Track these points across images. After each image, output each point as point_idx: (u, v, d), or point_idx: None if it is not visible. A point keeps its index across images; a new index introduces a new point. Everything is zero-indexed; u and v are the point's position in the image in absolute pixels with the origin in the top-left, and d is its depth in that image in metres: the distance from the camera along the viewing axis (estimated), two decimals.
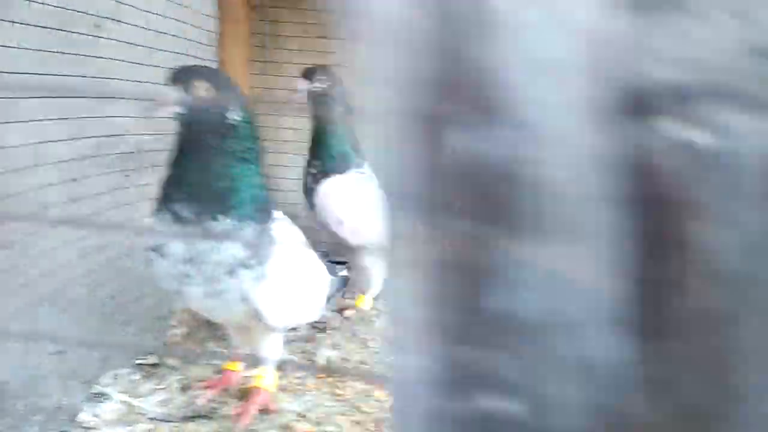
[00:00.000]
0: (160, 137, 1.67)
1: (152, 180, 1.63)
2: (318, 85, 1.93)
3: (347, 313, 2.05)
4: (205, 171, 1.17)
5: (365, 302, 2.09)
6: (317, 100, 1.95)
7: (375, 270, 2.06)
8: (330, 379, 1.61)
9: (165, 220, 1.17)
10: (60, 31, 1.33)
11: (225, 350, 1.80)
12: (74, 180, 1.41)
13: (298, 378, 1.60)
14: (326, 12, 2.39)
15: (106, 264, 1.58)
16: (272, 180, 2.21)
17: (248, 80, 2.37)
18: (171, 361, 1.70)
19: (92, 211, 1.52)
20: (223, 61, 2.26)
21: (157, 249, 1.19)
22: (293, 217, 1.47)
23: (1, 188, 1.18)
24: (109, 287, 1.59)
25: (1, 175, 1.18)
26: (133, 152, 1.69)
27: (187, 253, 1.17)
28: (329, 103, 1.95)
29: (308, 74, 1.94)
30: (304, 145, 2.05)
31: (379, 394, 1.55)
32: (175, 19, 1.92)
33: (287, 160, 2.53)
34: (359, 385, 1.57)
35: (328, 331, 1.90)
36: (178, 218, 1.16)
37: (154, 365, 1.59)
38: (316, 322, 1.85)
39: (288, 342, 1.80)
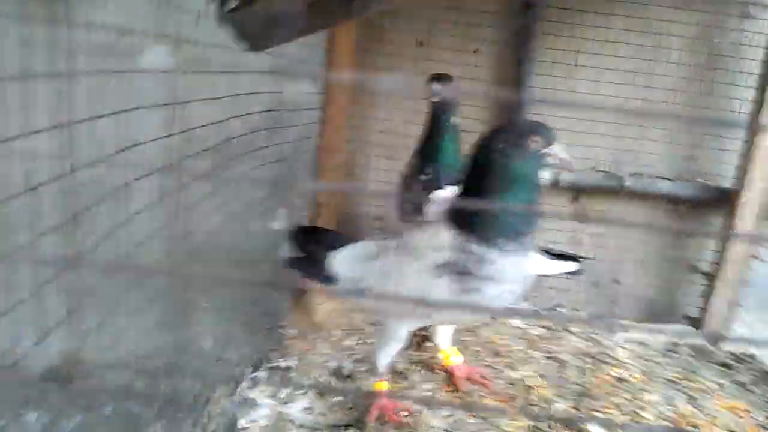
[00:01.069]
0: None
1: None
2: (451, 91, 1.92)
3: None
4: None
5: None
6: (440, 106, 1.93)
7: None
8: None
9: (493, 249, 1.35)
10: None
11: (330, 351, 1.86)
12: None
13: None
14: (426, 19, 2.47)
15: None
16: None
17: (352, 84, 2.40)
18: (289, 362, 1.76)
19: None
20: (331, 64, 2.28)
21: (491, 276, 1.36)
22: None
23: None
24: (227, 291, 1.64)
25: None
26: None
27: (517, 276, 1.39)
28: (450, 111, 1.96)
29: (440, 79, 1.91)
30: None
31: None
32: None
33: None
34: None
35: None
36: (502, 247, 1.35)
37: (286, 369, 1.64)
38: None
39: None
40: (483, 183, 1.37)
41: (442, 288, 1.39)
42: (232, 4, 0.97)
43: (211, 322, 1.54)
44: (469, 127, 2.56)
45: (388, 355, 1.60)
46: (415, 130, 2.51)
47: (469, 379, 1.78)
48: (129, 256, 1.12)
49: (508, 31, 2.48)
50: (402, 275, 1.46)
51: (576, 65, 2.49)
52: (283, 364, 1.68)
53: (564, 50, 2.47)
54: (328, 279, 1.62)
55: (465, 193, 1.45)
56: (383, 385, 1.61)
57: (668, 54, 2.47)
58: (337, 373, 1.76)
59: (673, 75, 2.50)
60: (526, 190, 1.36)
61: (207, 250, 1.55)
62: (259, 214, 1.88)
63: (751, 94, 2.43)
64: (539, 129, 1.38)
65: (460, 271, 1.37)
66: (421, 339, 1.99)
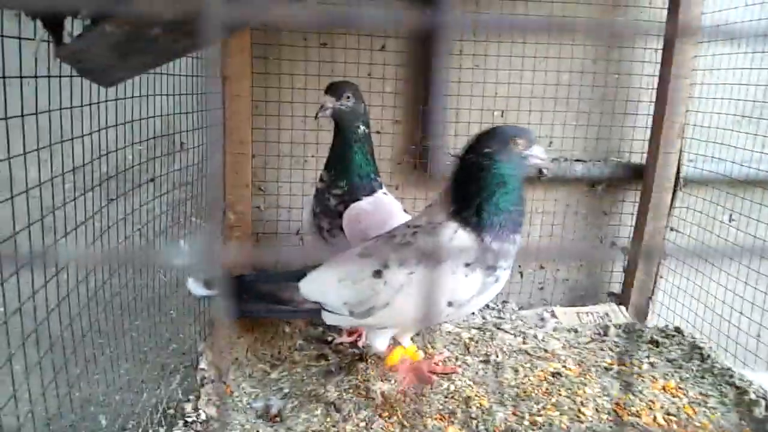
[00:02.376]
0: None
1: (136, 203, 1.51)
2: (345, 103, 1.84)
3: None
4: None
5: None
6: (341, 117, 1.86)
7: None
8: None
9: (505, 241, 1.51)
10: None
11: (255, 388, 1.72)
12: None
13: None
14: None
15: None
16: None
17: (251, 92, 2.23)
18: (209, 411, 1.60)
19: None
20: (227, 77, 2.11)
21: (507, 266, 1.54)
22: None
23: None
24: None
25: None
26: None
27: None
28: (353, 121, 1.87)
29: (334, 91, 1.83)
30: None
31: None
32: None
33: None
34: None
35: (369, 359, 1.86)
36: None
37: (205, 422, 1.49)
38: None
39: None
40: (475, 183, 1.51)
41: (473, 284, 1.50)
42: (71, 32, 0.80)
43: (115, 371, 1.37)
44: (385, 128, 2.47)
45: (385, 341, 1.68)
46: (325, 138, 2.39)
47: (434, 372, 1.80)
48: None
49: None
50: (426, 282, 1.45)
51: (485, 55, 2.44)
52: (202, 415, 1.52)
53: (472, 41, 2.41)
54: (309, 312, 1.61)
55: (458, 194, 1.54)
56: (396, 355, 1.71)
57: (572, 37, 2.46)
58: (265, 414, 1.62)
59: (579, 57, 2.49)
60: (516, 187, 1.52)
61: (103, 295, 1.38)
62: (160, 248, 1.71)
63: (654, 69, 2.47)
64: (522, 132, 1.52)
65: (488, 265, 1.51)
66: (352, 359, 1.89)
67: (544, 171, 2.30)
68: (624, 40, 2.49)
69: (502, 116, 2.51)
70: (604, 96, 2.55)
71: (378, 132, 2.45)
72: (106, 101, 1.29)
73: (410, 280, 1.51)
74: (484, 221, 1.50)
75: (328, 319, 1.60)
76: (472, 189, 1.51)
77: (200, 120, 1.97)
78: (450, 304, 1.52)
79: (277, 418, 1.61)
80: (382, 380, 1.76)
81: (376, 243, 1.62)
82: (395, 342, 1.74)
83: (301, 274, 1.62)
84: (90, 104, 1.21)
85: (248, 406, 1.64)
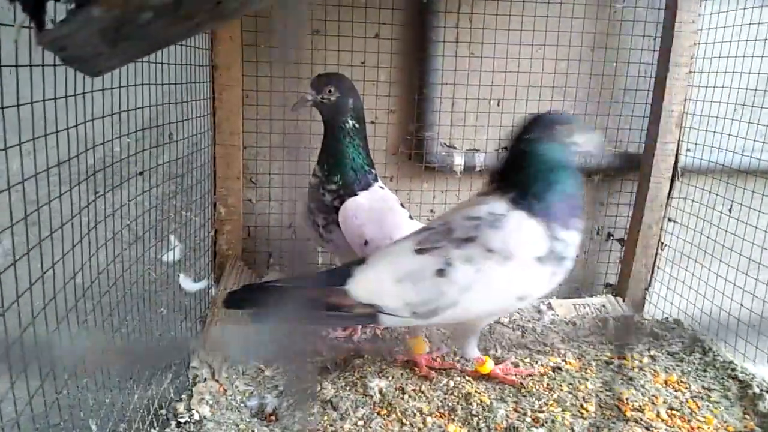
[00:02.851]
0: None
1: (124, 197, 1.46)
2: (326, 96, 1.78)
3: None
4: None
5: None
6: (324, 111, 1.81)
7: None
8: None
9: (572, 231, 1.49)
10: None
11: (249, 386, 1.68)
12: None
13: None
14: (319, 5, 2.26)
15: None
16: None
17: (242, 82, 2.16)
18: (202, 411, 1.56)
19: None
20: (217, 65, 2.04)
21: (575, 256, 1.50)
22: None
23: None
24: None
25: None
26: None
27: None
28: (338, 115, 1.81)
29: (315, 83, 1.79)
30: None
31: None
32: None
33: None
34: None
35: (365, 356, 1.82)
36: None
37: (198, 422, 1.44)
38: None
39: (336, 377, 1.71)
40: (531, 171, 1.49)
41: (544, 278, 1.48)
42: (53, 18, 0.74)
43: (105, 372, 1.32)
44: (379, 118, 2.41)
45: (475, 346, 1.69)
46: (319, 128, 2.33)
47: (432, 367, 1.77)
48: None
49: (409, 11, 2.32)
50: (497, 277, 1.45)
51: (481, 43, 2.38)
52: (195, 415, 1.47)
53: (466, 28, 2.36)
54: (361, 318, 1.50)
55: (515, 181, 1.52)
56: (487, 366, 1.71)
57: (569, 22, 2.41)
58: (260, 413, 1.58)
59: (577, 45, 2.45)
60: (572, 173, 1.51)
61: (91, 294, 1.33)
62: (149, 245, 1.65)
63: (652, 57, 2.43)
64: (565, 119, 1.52)
65: (558, 256, 1.47)
66: (348, 355, 1.85)
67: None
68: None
69: (498, 105, 2.46)
70: (602, 85, 2.51)
71: (372, 122, 2.40)
72: (92, 91, 1.22)
73: (478, 278, 1.44)
74: (550, 208, 1.47)
75: (387, 322, 1.49)
76: (530, 176, 1.49)
77: (189, 110, 1.91)
78: (521, 298, 1.52)
79: (273, 417, 1.56)
80: (379, 377, 1.72)
81: (431, 237, 1.51)
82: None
83: (344, 275, 1.48)
84: (75, 95, 1.14)
85: (242, 405, 1.60)
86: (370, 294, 1.46)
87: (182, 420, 1.46)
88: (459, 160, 2.41)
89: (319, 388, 1.65)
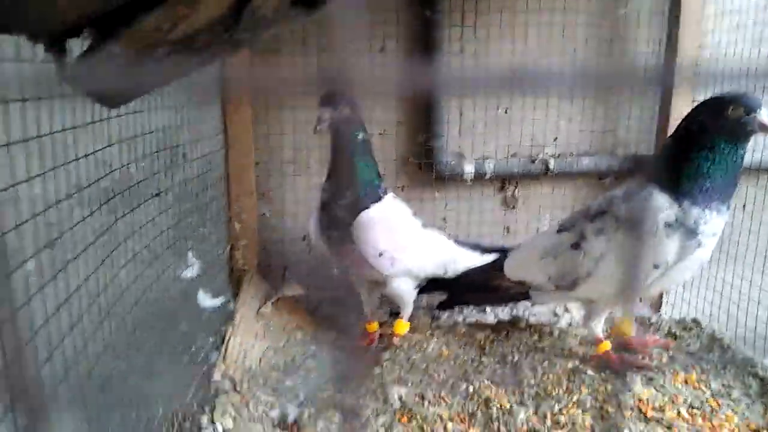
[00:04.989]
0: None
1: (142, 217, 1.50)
2: (343, 112, 1.80)
3: (395, 340, 1.99)
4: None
5: (403, 327, 2.05)
6: (339, 127, 1.82)
7: (406, 295, 2.01)
8: None
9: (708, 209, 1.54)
10: None
11: (270, 396, 1.70)
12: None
13: None
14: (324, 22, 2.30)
15: None
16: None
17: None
18: (225, 423, 1.58)
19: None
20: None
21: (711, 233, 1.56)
22: None
23: None
24: None
25: None
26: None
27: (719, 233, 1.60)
28: (351, 130, 1.84)
29: (329, 101, 1.77)
30: None
31: None
32: None
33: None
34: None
35: (384, 364, 1.84)
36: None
37: None
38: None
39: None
40: (680, 152, 1.56)
41: (674, 244, 1.53)
42: (74, 51, 0.78)
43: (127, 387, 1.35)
44: (388, 129, 2.44)
45: (600, 326, 1.78)
46: (326, 141, 2.37)
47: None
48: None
49: (413, 25, 2.36)
50: (626, 247, 1.56)
51: (487, 53, 2.41)
52: (219, 427, 1.50)
53: (471, 39, 2.38)
54: (516, 296, 1.83)
55: (661, 163, 1.63)
56: (607, 345, 1.78)
57: (574, 29, 2.43)
58: (282, 423, 1.60)
59: (582, 48, 2.46)
60: (729, 156, 1.53)
61: (116, 312, 1.36)
62: (168, 263, 1.69)
63: (659, 58, 2.44)
64: (740, 98, 1.52)
65: (688, 228, 1.52)
66: (366, 367, 1.87)
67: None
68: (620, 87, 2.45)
69: (506, 113, 2.48)
70: (609, 90, 2.52)
71: (381, 134, 2.43)
72: (109, 118, 1.27)
73: (609, 248, 1.59)
74: (682, 185, 1.54)
75: (537, 299, 1.77)
76: (676, 157, 1.57)
77: (202, 130, 1.95)
78: (656, 266, 1.56)
79: (295, 427, 1.59)
80: (399, 384, 1.74)
81: (573, 216, 1.72)
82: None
83: (503, 259, 1.79)
84: (93, 122, 1.19)
85: (265, 416, 1.62)
86: (520, 271, 1.72)
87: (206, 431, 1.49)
88: (469, 168, 2.43)
89: (339, 397, 1.67)
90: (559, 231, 1.73)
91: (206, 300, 1.91)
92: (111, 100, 0.84)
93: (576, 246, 1.64)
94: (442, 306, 2.11)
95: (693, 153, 1.57)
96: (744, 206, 2.35)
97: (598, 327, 1.81)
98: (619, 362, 1.79)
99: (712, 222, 1.56)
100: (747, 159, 2.28)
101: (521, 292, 1.76)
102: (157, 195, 1.62)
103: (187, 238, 1.85)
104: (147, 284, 1.57)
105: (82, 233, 1.22)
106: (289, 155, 2.38)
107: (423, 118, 2.41)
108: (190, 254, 1.84)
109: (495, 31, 2.38)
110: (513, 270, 1.74)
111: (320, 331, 2.14)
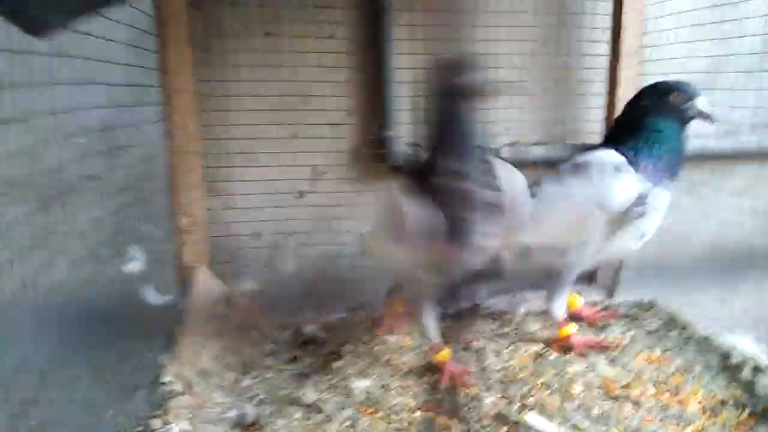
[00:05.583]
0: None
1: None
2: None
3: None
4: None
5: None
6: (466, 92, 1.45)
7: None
8: None
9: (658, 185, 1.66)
10: None
11: (227, 397, 1.59)
12: None
13: None
14: (270, 6, 2.22)
15: None
16: None
17: (195, 86, 2.08)
18: (181, 426, 1.46)
19: None
20: (168, 69, 1.96)
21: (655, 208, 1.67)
22: None
23: None
24: None
25: None
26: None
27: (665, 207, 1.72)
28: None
29: (460, 66, 1.48)
30: None
31: None
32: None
33: None
34: None
35: (345, 357, 1.76)
36: None
37: None
38: None
39: None
40: (631, 131, 1.69)
41: (622, 189, 1.63)
42: None
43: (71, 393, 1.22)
44: (340, 119, 2.37)
45: (562, 305, 1.81)
46: (279, 132, 2.29)
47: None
48: None
49: (362, 10, 2.30)
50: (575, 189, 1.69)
51: (438, 39, 2.38)
52: (173, 430, 1.38)
53: (420, 25, 2.35)
54: None
55: (616, 133, 1.75)
56: (569, 329, 1.79)
57: (523, 16, 2.44)
58: (240, 423, 1.49)
59: (530, 39, 2.47)
60: (672, 139, 1.66)
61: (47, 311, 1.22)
62: (108, 258, 1.55)
63: (604, 48, 2.48)
64: (682, 86, 1.67)
65: (638, 202, 1.62)
66: (327, 359, 1.79)
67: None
68: None
69: None
70: (557, 78, 2.54)
71: (333, 124, 2.36)
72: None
73: (559, 191, 1.71)
74: (638, 160, 1.65)
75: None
76: (629, 134, 1.69)
77: (140, 117, 1.82)
78: (601, 207, 1.64)
79: (255, 426, 1.48)
80: (362, 376, 1.66)
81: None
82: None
83: None
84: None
85: (222, 417, 1.51)
86: None
87: None
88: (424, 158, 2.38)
89: (300, 394, 1.58)
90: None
91: (153, 298, 1.77)
92: (34, 26, 0.73)
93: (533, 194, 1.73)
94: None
95: (643, 135, 1.67)
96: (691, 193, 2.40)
97: (561, 310, 1.81)
98: (581, 344, 1.79)
99: (659, 196, 1.65)
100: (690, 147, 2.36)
101: None
102: (91, 178, 1.49)
103: (129, 231, 1.72)
104: (84, 280, 1.44)
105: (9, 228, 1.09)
106: (237, 146, 2.27)
107: (375, 107, 2.36)
108: (133, 248, 1.70)
109: (445, 17, 2.35)
110: None
111: (277, 328, 2.04)
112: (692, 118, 1.67)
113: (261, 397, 1.60)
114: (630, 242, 1.72)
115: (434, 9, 2.34)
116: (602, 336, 1.89)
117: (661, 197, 1.67)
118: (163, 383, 1.58)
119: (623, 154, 1.67)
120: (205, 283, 2.06)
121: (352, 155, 2.42)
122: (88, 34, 1.40)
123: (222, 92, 2.21)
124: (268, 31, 2.23)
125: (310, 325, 2.02)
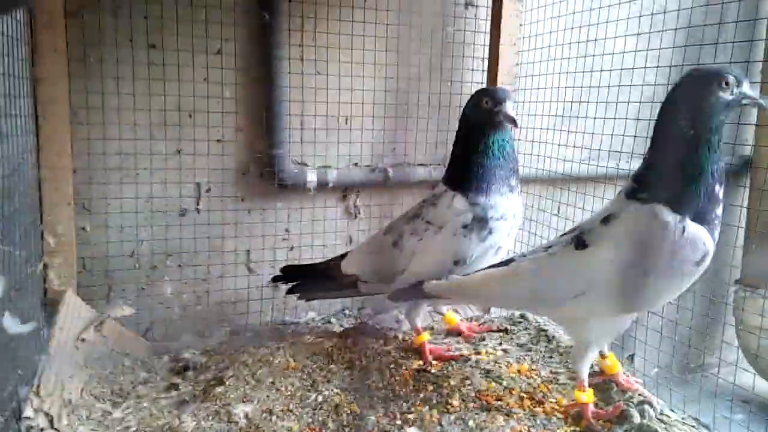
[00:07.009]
0: None
1: None
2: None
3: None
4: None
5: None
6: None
7: None
8: None
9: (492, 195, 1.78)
10: None
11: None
12: None
13: None
14: (155, 18, 2.14)
15: None
16: None
17: (69, 97, 1.96)
18: None
19: None
20: (40, 79, 1.83)
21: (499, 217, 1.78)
22: None
23: None
24: None
25: None
26: None
27: (512, 212, 1.82)
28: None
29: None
30: None
31: None
32: None
33: None
34: None
35: (227, 382, 1.71)
36: None
37: None
38: None
39: None
40: (464, 147, 1.81)
41: (472, 243, 1.74)
42: None
43: None
44: (227, 136, 2.33)
45: (419, 316, 1.97)
46: (160, 148, 2.21)
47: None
48: None
49: (252, 28, 2.29)
50: (433, 246, 1.79)
51: (327, 61, 2.42)
52: None
53: (311, 46, 2.38)
54: (348, 288, 1.98)
55: (459, 160, 1.82)
56: (423, 337, 1.93)
57: (408, 42, 2.54)
58: None
59: (415, 65, 2.58)
60: (495, 145, 1.75)
61: None
62: None
63: (481, 76, 2.64)
64: (490, 91, 1.78)
65: (479, 218, 1.73)
66: (207, 385, 1.73)
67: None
68: None
69: (347, 123, 2.51)
70: (440, 102, 2.66)
71: (219, 141, 2.32)
72: None
73: (419, 246, 1.81)
74: (466, 183, 1.76)
75: (363, 288, 1.95)
76: (458, 157, 1.82)
77: (8, 128, 1.68)
78: (456, 262, 1.77)
79: None
80: (243, 402, 1.63)
81: (398, 221, 1.93)
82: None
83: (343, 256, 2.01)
84: None
85: None
86: (353, 266, 1.95)
87: None
88: (312, 177, 2.41)
89: (177, 423, 1.52)
90: (385, 234, 1.93)
91: (13, 326, 1.63)
92: None
93: (395, 244, 1.86)
94: (291, 291, 2.15)
95: (465, 148, 1.80)
96: (558, 210, 2.61)
97: (417, 319, 1.95)
98: (429, 353, 1.92)
99: (498, 206, 1.75)
100: (560, 169, 2.57)
101: (352, 282, 1.95)
102: None
103: None
104: None
105: None
106: (114, 161, 2.16)
107: (264, 125, 2.35)
108: None
109: (333, 40, 2.40)
110: (348, 265, 1.97)
111: (152, 355, 1.95)
112: (501, 122, 1.74)
113: (134, 429, 1.52)
114: (491, 259, 1.81)
115: (324, 31, 2.38)
116: (445, 348, 2.02)
117: (502, 205, 1.76)
118: (25, 418, 1.46)
119: (463, 186, 1.78)
120: (73, 308, 1.93)
121: (239, 173, 2.39)
122: None
123: (99, 104, 2.09)
124: (153, 44, 2.15)
125: (189, 350, 1.95)
